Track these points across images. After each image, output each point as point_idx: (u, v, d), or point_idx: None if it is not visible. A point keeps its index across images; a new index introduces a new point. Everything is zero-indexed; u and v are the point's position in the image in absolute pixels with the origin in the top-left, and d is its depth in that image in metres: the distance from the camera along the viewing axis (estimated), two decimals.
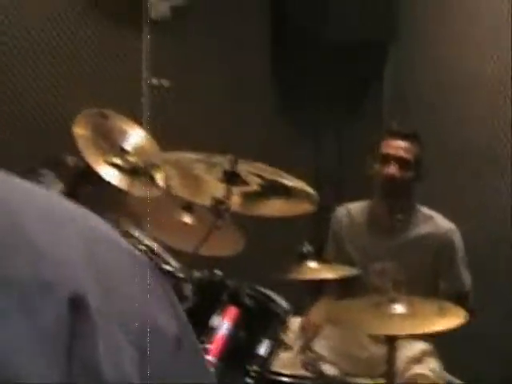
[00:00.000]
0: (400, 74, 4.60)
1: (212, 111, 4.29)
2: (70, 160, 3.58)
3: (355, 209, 3.56)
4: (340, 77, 4.46)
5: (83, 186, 3.66)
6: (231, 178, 2.57)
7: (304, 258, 2.87)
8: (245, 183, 2.64)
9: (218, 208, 2.52)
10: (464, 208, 4.03)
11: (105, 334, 0.62)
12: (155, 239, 3.20)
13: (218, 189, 2.62)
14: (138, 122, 3.72)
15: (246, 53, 4.39)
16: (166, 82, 4.15)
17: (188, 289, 2.74)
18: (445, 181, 4.20)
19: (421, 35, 4.48)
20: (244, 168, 2.60)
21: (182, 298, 2.50)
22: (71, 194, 3.82)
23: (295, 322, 3.18)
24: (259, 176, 2.64)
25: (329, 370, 3.01)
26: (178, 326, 0.70)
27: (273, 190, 2.68)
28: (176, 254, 2.88)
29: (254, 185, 2.66)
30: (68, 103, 3.90)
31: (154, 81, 4.11)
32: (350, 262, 3.47)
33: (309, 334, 3.28)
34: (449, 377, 3.64)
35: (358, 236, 3.51)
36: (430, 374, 3.18)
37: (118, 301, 0.66)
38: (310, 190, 2.66)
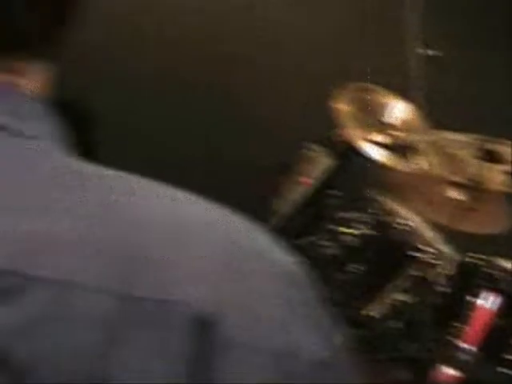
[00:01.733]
0: None
1: (485, 86, 4.05)
2: (336, 135, 3.58)
3: None
4: None
5: (347, 163, 3.66)
6: (489, 156, 2.45)
7: None
8: (502, 162, 2.50)
9: (473, 186, 2.44)
10: None
11: (233, 358, 0.57)
12: (422, 216, 3.12)
13: (474, 167, 2.52)
14: (407, 95, 3.61)
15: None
16: (436, 53, 3.98)
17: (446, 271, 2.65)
18: None
19: None
20: (502, 147, 2.48)
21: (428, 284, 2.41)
22: (339, 169, 3.83)
23: None
24: None
25: None
26: (327, 348, 0.63)
27: None
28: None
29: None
30: (330, 76, 3.90)
31: (421, 51, 3.96)
32: None
33: None
34: None
35: None
36: None
37: (253, 322, 0.59)
38: None
